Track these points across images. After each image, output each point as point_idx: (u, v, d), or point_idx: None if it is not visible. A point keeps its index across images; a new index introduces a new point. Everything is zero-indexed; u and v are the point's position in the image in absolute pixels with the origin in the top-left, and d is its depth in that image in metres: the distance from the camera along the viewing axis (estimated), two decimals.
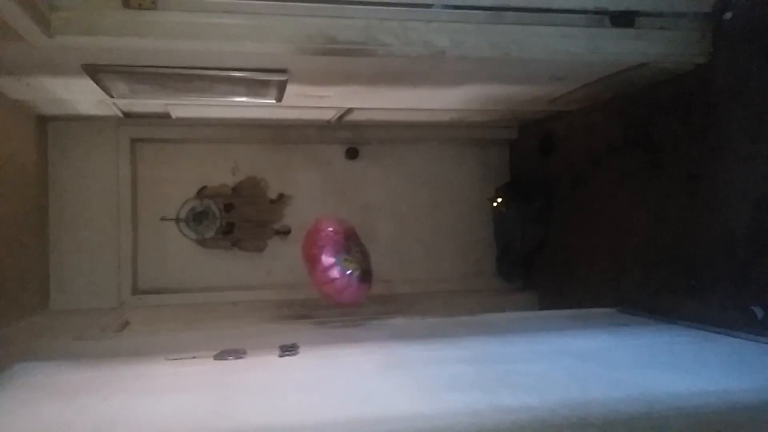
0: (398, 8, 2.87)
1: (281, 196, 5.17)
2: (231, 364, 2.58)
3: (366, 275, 3.58)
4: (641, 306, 3.54)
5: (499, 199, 5.19)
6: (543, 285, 5.04)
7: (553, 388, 2.10)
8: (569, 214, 4.66)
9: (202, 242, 5.00)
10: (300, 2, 2.77)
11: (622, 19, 3.09)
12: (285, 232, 5.16)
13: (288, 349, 2.70)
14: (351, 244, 3.59)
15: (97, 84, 3.42)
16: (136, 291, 4.78)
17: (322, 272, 3.44)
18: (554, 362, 2.47)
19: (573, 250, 4.57)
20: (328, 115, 4.65)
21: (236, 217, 5.06)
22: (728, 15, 3.08)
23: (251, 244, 5.09)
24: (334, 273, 3.45)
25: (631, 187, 3.88)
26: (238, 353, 2.66)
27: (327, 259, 3.44)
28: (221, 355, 2.64)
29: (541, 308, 4.87)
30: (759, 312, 2.81)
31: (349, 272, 3.47)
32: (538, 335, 3.03)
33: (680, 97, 3.44)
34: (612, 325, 3.26)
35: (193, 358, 2.64)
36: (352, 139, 5.24)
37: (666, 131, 3.57)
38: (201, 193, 5.01)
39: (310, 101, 4.09)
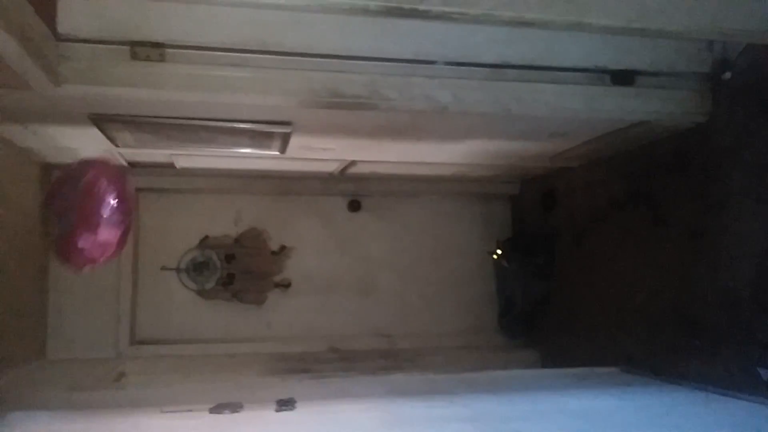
0: (401, 64, 2.91)
1: (283, 248, 5.16)
2: (227, 418, 2.53)
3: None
4: (645, 365, 3.48)
5: (500, 252, 5.17)
6: (545, 342, 4.98)
7: None
8: (571, 269, 4.64)
9: (202, 293, 4.97)
10: (305, 57, 2.82)
11: (623, 77, 3.13)
12: (285, 285, 5.13)
13: (285, 404, 2.65)
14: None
15: (103, 133, 3.46)
16: (133, 341, 4.74)
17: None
18: (555, 422, 2.42)
19: (575, 306, 4.53)
20: (332, 167, 4.68)
21: (237, 268, 5.04)
22: (727, 75, 3.13)
23: (251, 296, 5.05)
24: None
25: (633, 244, 3.87)
26: (234, 407, 2.61)
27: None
28: (217, 409, 2.59)
29: (544, 365, 4.81)
30: (764, 374, 2.76)
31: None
32: (540, 394, 2.98)
33: (680, 154, 3.46)
34: (614, 385, 3.20)
35: (189, 411, 2.59)
36: (354, 191, 5.27)
37: (667, 188, 3.58)
38: (203, 243, 5.01)
39: (313, 153, 4.12)
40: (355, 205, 5.33)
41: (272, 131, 3.46)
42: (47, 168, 4.53)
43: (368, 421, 2.45)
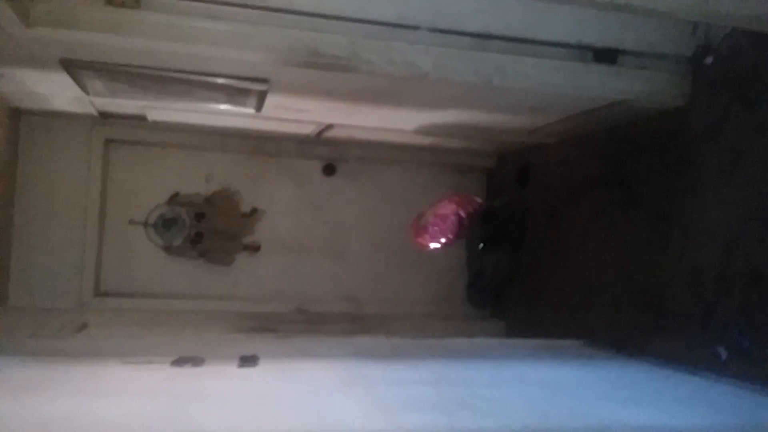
0: (383, 27, 2.89)
1: (254, 210, 5.11)
2: (188, 371, 2.52)
3: None
4: (608, 341, 3.54)
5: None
6: (511, 314, 5.04)
7: (512, 414, 2.08)
8: (541, 245, 4.68)
9: (169, 249, 4.91)
10: (285, 13, 2.77)
11: (605, 55, 3.14)
12: (254, 248, 5.09)
13: (247, 361, 2.65)
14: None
15: (74, 80, 3.38)
16: (97, 293, 4.69)
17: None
18: (516, 389, 2.46)
19: (543, 282, 4.58)
20: (308, 129, 4.63)
21: (206, 228, 4.98)
22: (709, 60, 3.15)
23: (219, 256, 5.00)
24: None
25: (603, 223, 3.91)
26: (196, 361, 2.60)
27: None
28: (179, 362, 2.58)
29: (508, 337, 4.87)
30: (723, 353, 2.83)
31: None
32: (503, 362, 3.03)
33: (657, 136, 3.49)
34: (577, 358, 3.26)
35: (150, 363, 2.58)
36: (330, 155, 5.23)
37: (641, 169, 3.61)
38: (173, 199, 4.94)
39: (289, 114, 4.08)
40: (329, 170, 5.30)
41: (248, 88, 3.41)
42: (16, 113, 4.43)
43: (329, 380, 2.47)
